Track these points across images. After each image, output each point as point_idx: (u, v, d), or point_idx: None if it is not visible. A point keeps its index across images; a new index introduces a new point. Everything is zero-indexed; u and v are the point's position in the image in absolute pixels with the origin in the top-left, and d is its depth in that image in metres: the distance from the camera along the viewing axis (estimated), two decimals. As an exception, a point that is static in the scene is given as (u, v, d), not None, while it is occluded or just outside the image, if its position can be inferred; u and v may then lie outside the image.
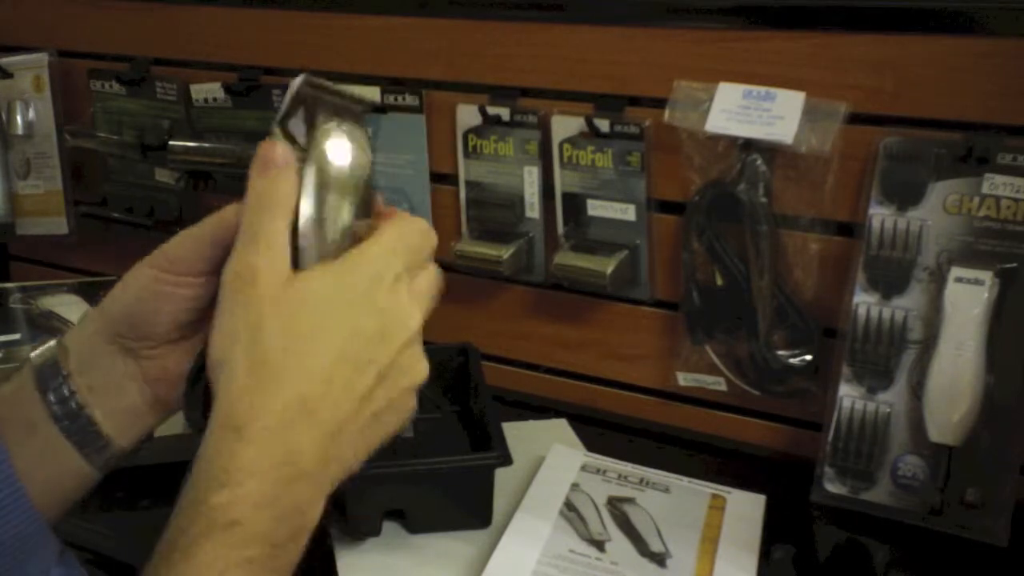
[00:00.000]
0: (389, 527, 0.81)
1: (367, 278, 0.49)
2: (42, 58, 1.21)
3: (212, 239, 0.52)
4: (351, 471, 0.50)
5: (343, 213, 0.50)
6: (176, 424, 0.58)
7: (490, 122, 1.00)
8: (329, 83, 0.51)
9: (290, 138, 0.51)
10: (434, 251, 0.54)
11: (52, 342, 0.55)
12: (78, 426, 0.53)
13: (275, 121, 0.51)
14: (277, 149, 0.49)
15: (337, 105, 0.51)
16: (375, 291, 0.49)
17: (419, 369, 0.52)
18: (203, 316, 0.52)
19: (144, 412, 0.55)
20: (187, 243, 0.53)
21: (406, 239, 0.51)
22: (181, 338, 0.54)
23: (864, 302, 0.85)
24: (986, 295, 0.78)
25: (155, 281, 0.53)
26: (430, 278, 0.53)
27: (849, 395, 0.86)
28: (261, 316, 0.47)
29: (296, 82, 0.51)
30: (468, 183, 1.03)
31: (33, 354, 0.55)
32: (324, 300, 0.48)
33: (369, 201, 0.52)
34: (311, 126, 0.51)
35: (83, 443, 0.54)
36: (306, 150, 0.50)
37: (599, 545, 0.78)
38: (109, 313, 0.54)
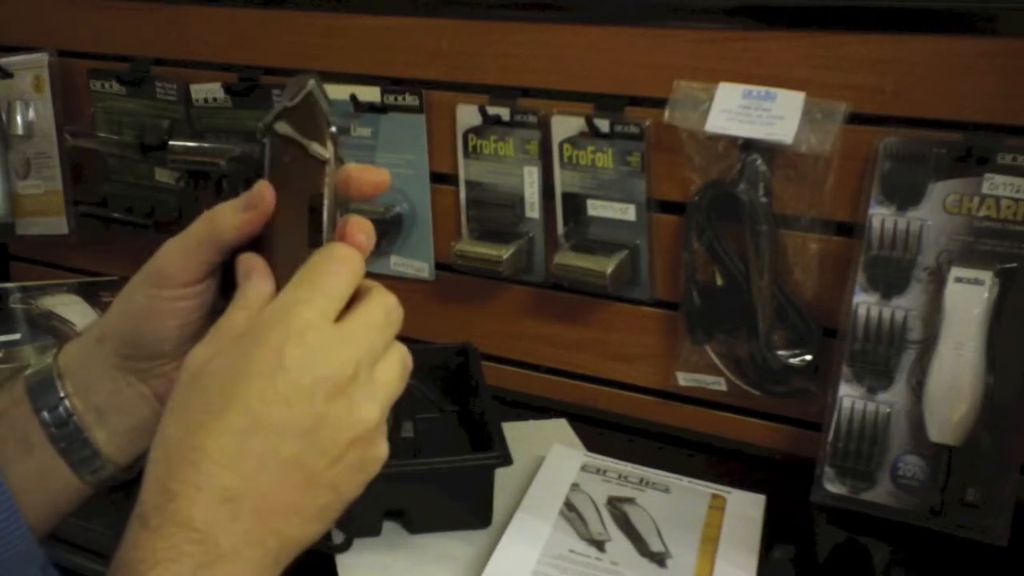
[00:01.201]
0: (389, 527, 0.81)
1: (276, 333, 0.45)
2: (42, 58, 1.21)
3: (204, 244, 0.50)
4: (312, 537, 0.46)
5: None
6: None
7: (490, 122, 1.00)
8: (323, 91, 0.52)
9: (286, 138, 0.50)
10: (360, 274, 0.49)
11: (48, 360, 0.54)
12: (75, 448, 0.53)
13: (275, 115, 0.50)
14: (256, 263, 0.49)
15: (327, 113, 0.51)
16: (284, 346, 0.45)
17: (363, 415, 0.46)
18: (212, 320, 0.51)
19: (154, 425, 0.54)
20: (178, 255, 0.51)
21: (321, 282, 0.47)
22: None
23: (864, 302, 0.85)
24: (986, 295, 0.78)
25: (153, 299, 0.51)
26: (371, 308, 0.48)
27: (849, 395, 0.86)
28: (173, 401, 0.46)
29: (311, 81, 0.50)
30: (468, 183, 1.03)
31: (27, 372, 0.54)
32: (223, 372, 0.45)
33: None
34: (316, 129, 0.50)
35: (80, 465, 0.53)
36: (305, 147, 0.50)
37: (599, 545, 0.78)
38: (111, 339, 0.53)
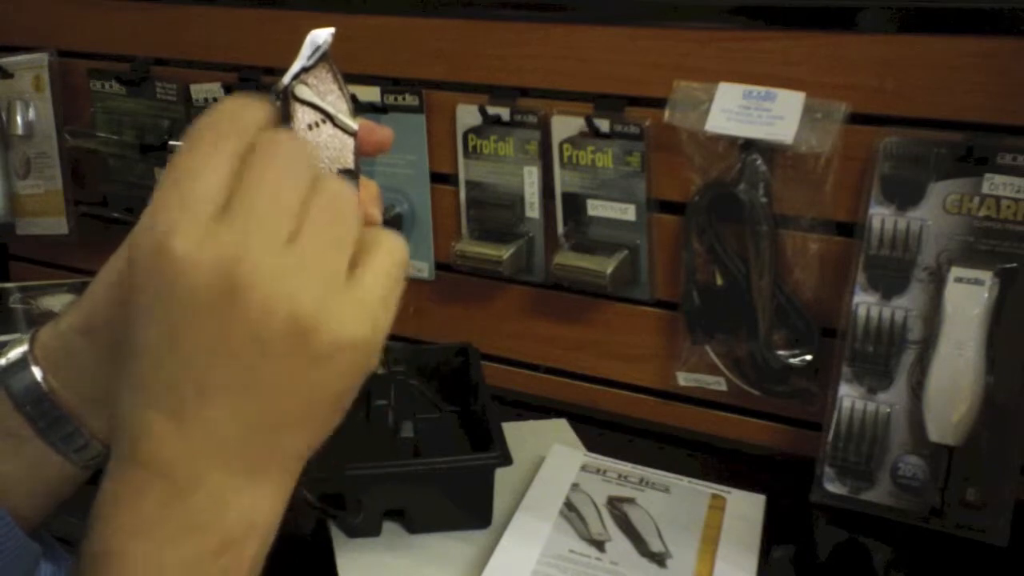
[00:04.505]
0: (389, 527, 0.81)
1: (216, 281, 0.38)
2: (42, 58, 1.21)
3: None
4: (298, 447, 0.42)
5: None
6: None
7: (490, 122, 1.00)
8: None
9: (307, 103, 0.44)
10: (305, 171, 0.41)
11: (21, 350, 0.51)
12: (70, 441, 0.51)
13: (293, 75, 0.44)
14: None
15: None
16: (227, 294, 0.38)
17: (327, 342, 0.39)
18: None
19: None
20: None
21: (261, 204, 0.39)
22: None
23: (864, 302, 0.85)
24: (986, 295, 0.78)
25: None
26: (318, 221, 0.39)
27: (849, 395, 0.86)
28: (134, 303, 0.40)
29: (324, 34, 0.45)
30: (468, 183, 1.03)
31: (1, 364, 0.51)
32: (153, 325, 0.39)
33: None
34: (337, 93, 0.45)
35: (77, 454, 0.52)
36: (327, 113, 0.44)
37: (599, 545, 0.78)
38: (103, 331, 0.50)
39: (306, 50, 0.45)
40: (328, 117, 0.44)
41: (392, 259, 0.42)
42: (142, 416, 0.40)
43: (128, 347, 0.41)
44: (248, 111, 0.41)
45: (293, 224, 0.39)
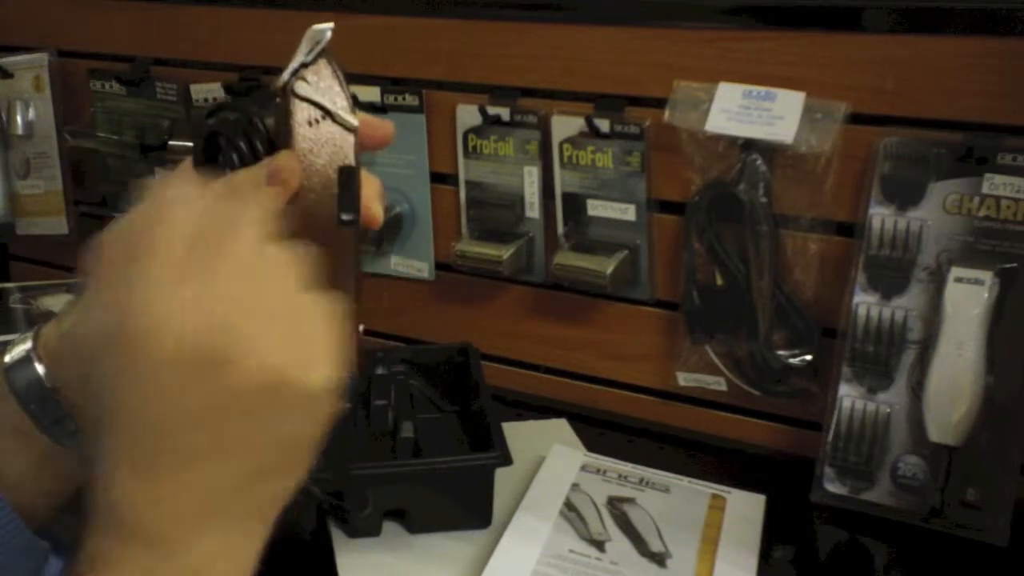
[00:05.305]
0: (389, 527, 0.81)
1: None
2: (42, 58, 1.21)
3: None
4: (263, 496, 0.43)
5: None
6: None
7: (490, 122, 1.00)
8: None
9: (307, 100, 0.44)
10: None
11: (24, 349, 0.52)
12: (78, 441, 0.51)
13: (291, 72, 0.44)
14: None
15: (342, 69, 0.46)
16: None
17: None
18: None
19: None
20: None
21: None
22: None
23: (864, 302, 0.85)
24: (986, 295, 0.78)
25: None
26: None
27: (849, 395, 0.86)
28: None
29: (323, 29, 0.45)
30: (468, 183, 1.03)
31: (5, 363, 0.51)
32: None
33: None
34: (336, 89, 0.45)
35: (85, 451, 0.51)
36: (326, 109, 0.44)
37: (599, 545, 0.78)
38: None
39: (305, 46, 0.44)
40: (328, 113, 0.44)
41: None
42: (123, 484, 0.41)
43: (102, 413, 0.42)
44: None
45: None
